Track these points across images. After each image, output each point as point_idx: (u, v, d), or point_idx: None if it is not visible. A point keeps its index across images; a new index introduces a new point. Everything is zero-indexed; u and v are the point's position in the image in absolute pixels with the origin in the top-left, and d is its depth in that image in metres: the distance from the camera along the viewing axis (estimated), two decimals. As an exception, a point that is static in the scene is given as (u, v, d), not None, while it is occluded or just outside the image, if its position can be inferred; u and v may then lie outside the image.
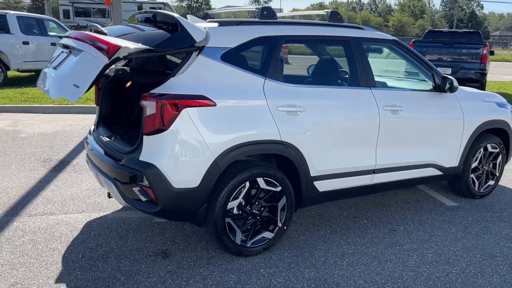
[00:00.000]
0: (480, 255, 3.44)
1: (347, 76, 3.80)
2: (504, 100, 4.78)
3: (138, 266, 3.09)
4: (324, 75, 3.92)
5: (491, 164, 4.68)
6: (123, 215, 3.94)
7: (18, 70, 11.90)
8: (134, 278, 2.93)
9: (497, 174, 4.75)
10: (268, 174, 3.19)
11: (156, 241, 3.47)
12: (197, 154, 2.92)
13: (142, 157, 2.93)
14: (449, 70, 11.57)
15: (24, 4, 71.26)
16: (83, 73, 2.77)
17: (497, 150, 4.64)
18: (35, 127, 7.14)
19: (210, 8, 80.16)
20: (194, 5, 77.73)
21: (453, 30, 16.55)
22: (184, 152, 2.90)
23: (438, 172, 4.23)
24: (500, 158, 4.69)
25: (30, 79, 12.46)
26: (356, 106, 3.59)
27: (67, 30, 13.18)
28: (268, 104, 3.14)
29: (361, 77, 3.65)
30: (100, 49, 2.73)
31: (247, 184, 3.13)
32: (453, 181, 4.59)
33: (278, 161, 3.42)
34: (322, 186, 3.52)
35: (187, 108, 2.87)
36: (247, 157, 3.24)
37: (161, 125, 2.85)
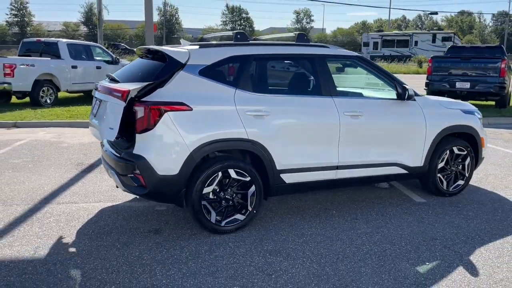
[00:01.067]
0: (422, 238, 3.99)
1: (312, 86, 4.49)
2: (472, 108, 5.29)
3: (132, 238, 3.90)
4: (292, 85, 4.64)
5: (460, 166, 5.16)
6: (131, 204, 4.79)
7: (67, 91, 13.35)
8: (127, 246, 3.74)
9: (467, 175, 5.22)
10: (238, 166, 3.94)
11: (152, 222, 4.27)
12: (176, 148, 3.72)
13: (135, 151, 3.76)
14: (467, 84, 11.87)
15: (81, 32, 76.25)
16: (112, 117, 3.75)
17: (464, 153, 5.13)
18: (75, 139, 8.25)
19: (253, 30, 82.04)
20: (238, 28, 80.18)
21: (476, 45, 16.71)
22: (166, 146, 3.72)
23: (403, 171, 4.80)
24: (468, 160, 5.17)
25: (78, 99, 13.91)
26: (318, 111, 4.28)
27: (111, 55, 14.65)
28: (237, 109, 3.90)
29: (323, 88, 4.35)
30: (117, 97, 3.65)
31: (220, 174, 3.89)
32: (422, 180, 5.12)
33: (251, 156, 4.15)
34: (288, 178, 4.21)
35: (168, 112, 3.69)
36: (222, 152, 4.01)
37: (149, 125, 3.68)
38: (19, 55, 13.37)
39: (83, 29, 78.77)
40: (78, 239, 3.87)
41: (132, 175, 3.81)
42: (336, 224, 4.28)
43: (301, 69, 4.62)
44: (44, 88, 12.29)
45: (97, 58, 14.23)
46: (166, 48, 3.98)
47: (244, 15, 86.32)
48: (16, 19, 78.21)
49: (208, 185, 3.87)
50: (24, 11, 78.67)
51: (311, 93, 4.41)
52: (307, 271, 3.34)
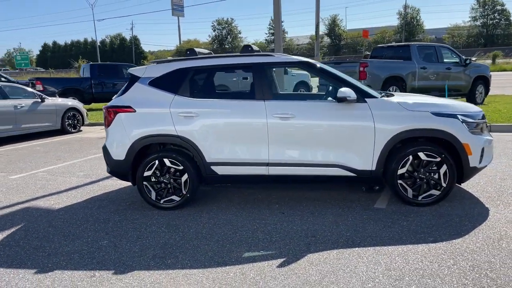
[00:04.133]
0: (305, 234, 4.14)
1: (245, 91, 5.02)
2: (458, 110, 4.71)
3: (125, 212, 5.36)
4: (226, 91, 5.22)
5: (435, 174, 4.71)
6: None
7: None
8: (121, 215, 5.23)
9: (444, 185, 4.70)
10: (172, 156, 4.95)
11: (146, 205, 5.56)
12: (123, 140, 5.01)
13: (105, 141, 5.22)
14: None
15: (325, 43, 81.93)
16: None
17: (436, 160, 4.66)
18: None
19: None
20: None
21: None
22: (117, 138, 5.05)
23: (350, 173, 4.78)
24: (445, 168, 4.66)
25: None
26: (246, 113, 4.84)
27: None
28: (170, 111, 4.91)
29: (257, 93, 4.88)
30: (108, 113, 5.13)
31: (157, 162, 4.97)
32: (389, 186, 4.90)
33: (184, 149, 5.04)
34: (220, 170, 4.94)
35: (119, 113, 5.01)
36: (162, 144, 5.06)
37: (109, 123, 5.09)
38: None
39: (327, 40, 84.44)
40: (91, 206, 5.58)
41: (105, 158, 5.29)
42: (258, 215, 4.74)
43: (237, 77, 5.19)
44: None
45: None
46: (132, 68, 5.29)
47: (499, 7, 76.54)
48: (273, 37, 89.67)
49: (148, 170, 5.00)
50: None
51: (244, 97, 4.98)
52: (198, 234, 4.15)
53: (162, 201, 5.04)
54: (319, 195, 5.33)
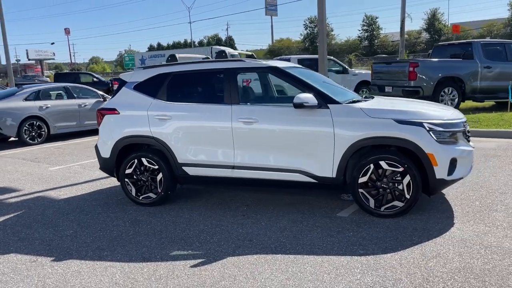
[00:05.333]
0: (242, 238, 4.23)
1: (216, 96, 5.16)
2: (415, 118, 4.42)
3: (108, 206, 5.88)
4: (199, 95, 5.33)
5: (399, 184, 4.49)
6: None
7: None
8: (104, 208, 5.77)
9: (407, 196, 4.46)
10: (148, 156, 5.30)
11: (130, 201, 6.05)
12: (108, 139, 5.47)
13: (97, 141, 5.73)
14: None
15: (423, 39, 77.73)
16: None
17: (399, 170, 4.44)
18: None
19: None
20: None
21: None
22: (104, 137, 5.52)
23: (310, 180, 4.74)
24: (408, 179, 4.42)
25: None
26: (213, 117, 5.02)
27: (342, 66, 16.19)
28: (148, 114, 5.26)
29: (226, 97, 5.03)
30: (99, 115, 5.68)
31: (136, 161, 5.36)
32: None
33: (157, 150, 5.34)
34: (191, 171, 5.18)
35: (106, 115, 5.49)
36: (147, 144, 5.42)
37: (99, 124, 5.59)
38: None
39: (425, 35, 79.87)
40: (95, 192, 6.18)
41: (97, 156, 5.80)
42: (217, 216, 4.91)
43: (209, 81, 5.31)
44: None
45: (328, 68, 16.03)
46: (122, 74, 5.72)
47: None
48: (366, 34, 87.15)
49: (128, 168, 5.40)
50: (373, 25, 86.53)
51: (214, 101, 5.12)
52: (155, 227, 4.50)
53: (140, 198, 5.41)
54: (292, 200, 5.32)
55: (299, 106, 4.60)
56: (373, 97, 5.49)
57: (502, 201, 4.90)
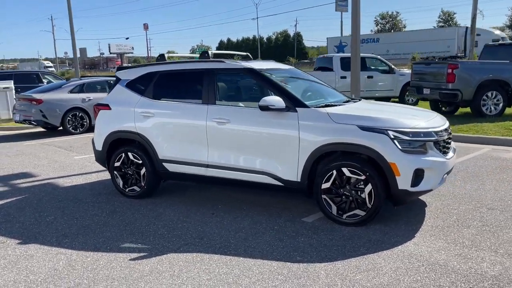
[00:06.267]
0: (192, 235, 4.34)
1: (196, 95, 5.25)
2: (380, 125, 4.24)
3: (99, 196, 6.24)
4: (181, 94, 5.42)
5: (361, 193, 4.36)
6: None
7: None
8: (94, 198, 6.15)
9: (369, 206, 4.32)
10: (133, 150, 5.56)
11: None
12: (101, 133, 5.80)
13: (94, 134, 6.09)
14: None
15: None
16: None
17: (361, 178, 4.31)
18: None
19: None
20: None
21: None
22: (98, 131, 5.86)
23: (277, 182, 4.73)
24: (370, 187, 4.28)
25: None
26: (190, 116, 5.15)
27: (388, 65, 15.68)
28: (134, 110, 5.51)
29: (204, 97, 5.15)
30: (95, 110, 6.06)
31: (123, 155, 5.64)
32: (318, 199, 4.69)
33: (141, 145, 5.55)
34: (170, 167, 5.37)
35: (101, 110, 5.82)
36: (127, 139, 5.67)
37: (95, 118, 5.94)
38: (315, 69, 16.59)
39: (508, 32, 74.40)
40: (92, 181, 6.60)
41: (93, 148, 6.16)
42: (189, 213, 5.05)
43: (190, 81, 5.39)
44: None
45: (372, 67, 15.61)
46: (118, 71, 6.00)
47: None
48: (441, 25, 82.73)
49: (117, 161, 5.70)
50: (450, 22, 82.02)
51: (193, 101, 5.24)
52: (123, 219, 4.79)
53: (127, 190, 5.69)
54: (269, 201, 5.32)
55: (265, 108, 4.60)
56: (358, 100, 5.36)
57: (482, 217, 4.58)
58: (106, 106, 5.76)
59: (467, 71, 10.83)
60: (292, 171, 4.62)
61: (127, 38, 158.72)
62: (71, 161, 8.19)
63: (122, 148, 5.64)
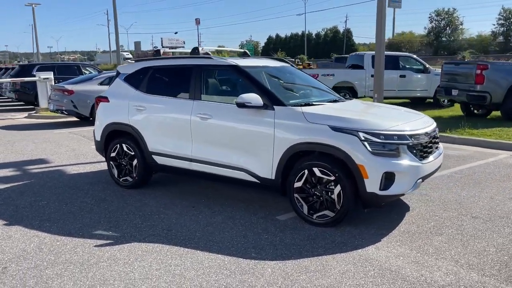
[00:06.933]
0: (163, 228, 4.47)
1: (184, 90, 5.35)
2: (351, 126, 4.16)
3: (98, 184, 6.53)
4: (171, 89, 5.51)
5: (331, 193, 4.32)
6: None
7: (364, 97, 15.19)
8: (92, 186, 6.45)
9: (337, 207, 4.27)
10: (126, 143, 5.78)
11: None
12: (100, 124, 6.06)
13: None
14: None
15: None
16: None
17: (331, 178, 4.26)
18: None
19: None
20: None
21: None
22: (98, 122, 6.12)
23: (253, 179, 4.76)
24: (339, 189, 4.24)
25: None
26: (177, 111, 5.28)
27: (423, 65, 15.19)
28: (128, 104, 5.72)
29: (191, 92, 5.26)
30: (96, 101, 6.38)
31: (118, 146, 5.87)
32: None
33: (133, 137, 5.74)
34: (158, 160, 5.54)
35: (101, 102, 6.08)
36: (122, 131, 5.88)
37: (96, 109, 6.21)
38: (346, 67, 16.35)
39: None
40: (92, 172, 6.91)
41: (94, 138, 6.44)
42: (171, 207, 5.20)
43: (179, 76, 5.47)
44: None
45: (406, 66, 15.17)
46: (119, 66, 6.23)
47: None
48: (502, 29, 78.62)
49: (113, 152, 5.94)
50: (511, 19, 77.65)
51: (181, 96, 5.35)
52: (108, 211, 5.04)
53: (121, 180, 5.92)
54: (251, 197, 5.36)
55: (241, 105, 4.64)
56: (349, 100, 5.29)
57: (461, 226, 4.40)
58: (105, 99, 6.01)
59: (497, 72, 10.31)
60: (267, 169, 4.64)
61: (175, 33, 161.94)
62: (88, 150, 8.57)
63: (117, 140, 5.87)
